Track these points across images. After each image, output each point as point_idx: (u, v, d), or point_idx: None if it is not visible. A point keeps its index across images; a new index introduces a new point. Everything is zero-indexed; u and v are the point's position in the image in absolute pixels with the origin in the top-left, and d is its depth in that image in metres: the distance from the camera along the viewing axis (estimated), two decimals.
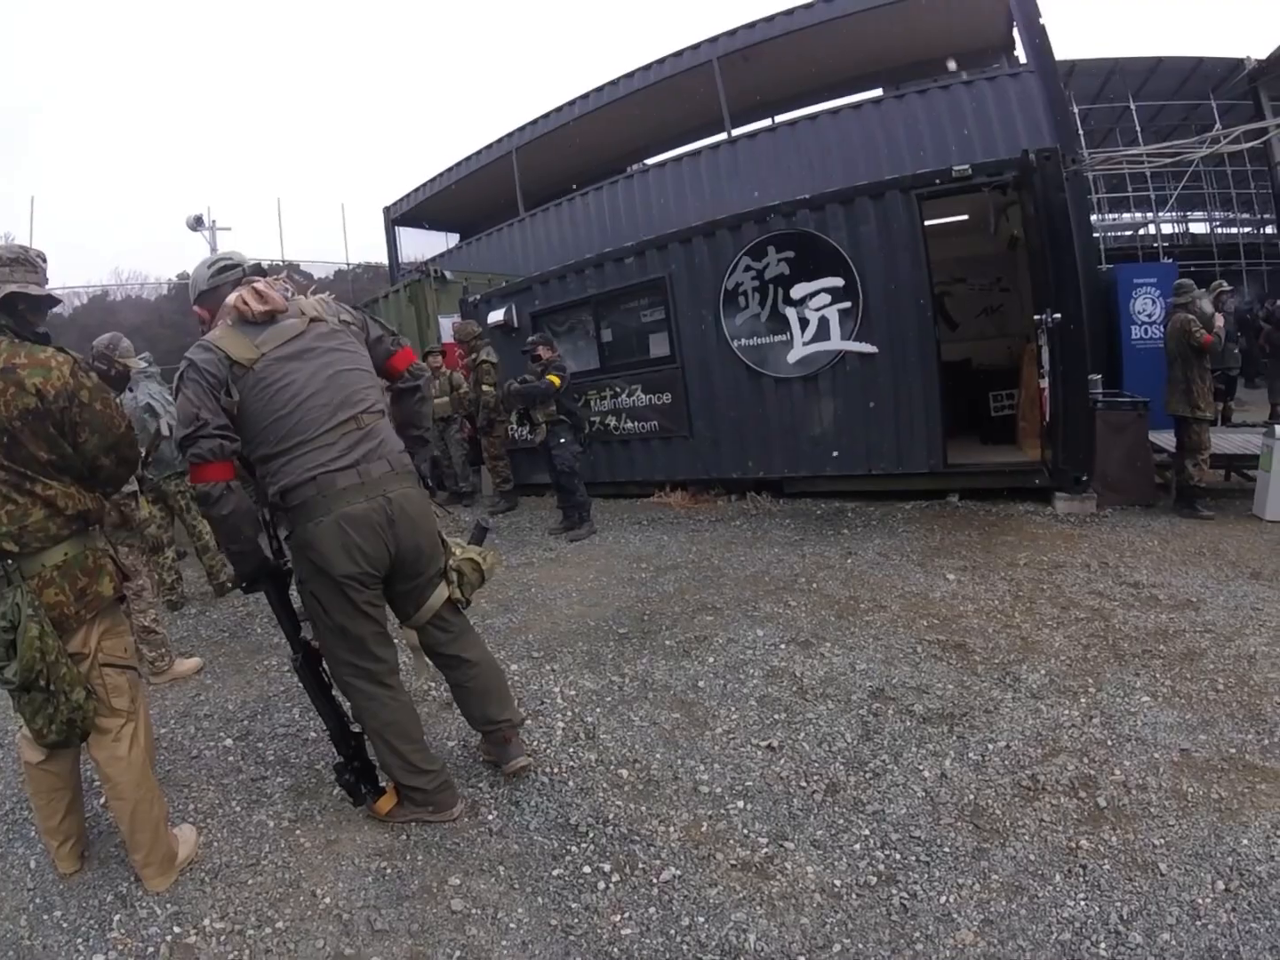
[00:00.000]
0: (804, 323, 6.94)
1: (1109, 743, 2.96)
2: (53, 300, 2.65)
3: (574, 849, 2.70)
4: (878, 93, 13.41)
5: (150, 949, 2.53)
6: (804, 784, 2.89)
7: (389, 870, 2.71)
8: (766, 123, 14.36)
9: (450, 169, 18.38)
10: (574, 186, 15.93)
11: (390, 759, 2.82)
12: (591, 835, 2.75)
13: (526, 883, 2.57)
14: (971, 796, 2.72)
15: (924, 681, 3.48)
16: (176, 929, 2.59)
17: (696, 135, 15.52)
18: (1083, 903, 2.24)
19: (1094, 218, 17.29)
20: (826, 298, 6.82)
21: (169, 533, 6.14)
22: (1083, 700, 3.25)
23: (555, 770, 3.16)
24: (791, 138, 12.88)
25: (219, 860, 2.91)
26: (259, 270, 2.83)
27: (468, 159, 17.89)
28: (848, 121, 12.29)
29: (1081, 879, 2.33)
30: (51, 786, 2.77)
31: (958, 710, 3.23)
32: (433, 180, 18.86)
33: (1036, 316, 6.11)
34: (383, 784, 2.97)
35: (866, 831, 2.61)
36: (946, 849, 2.50)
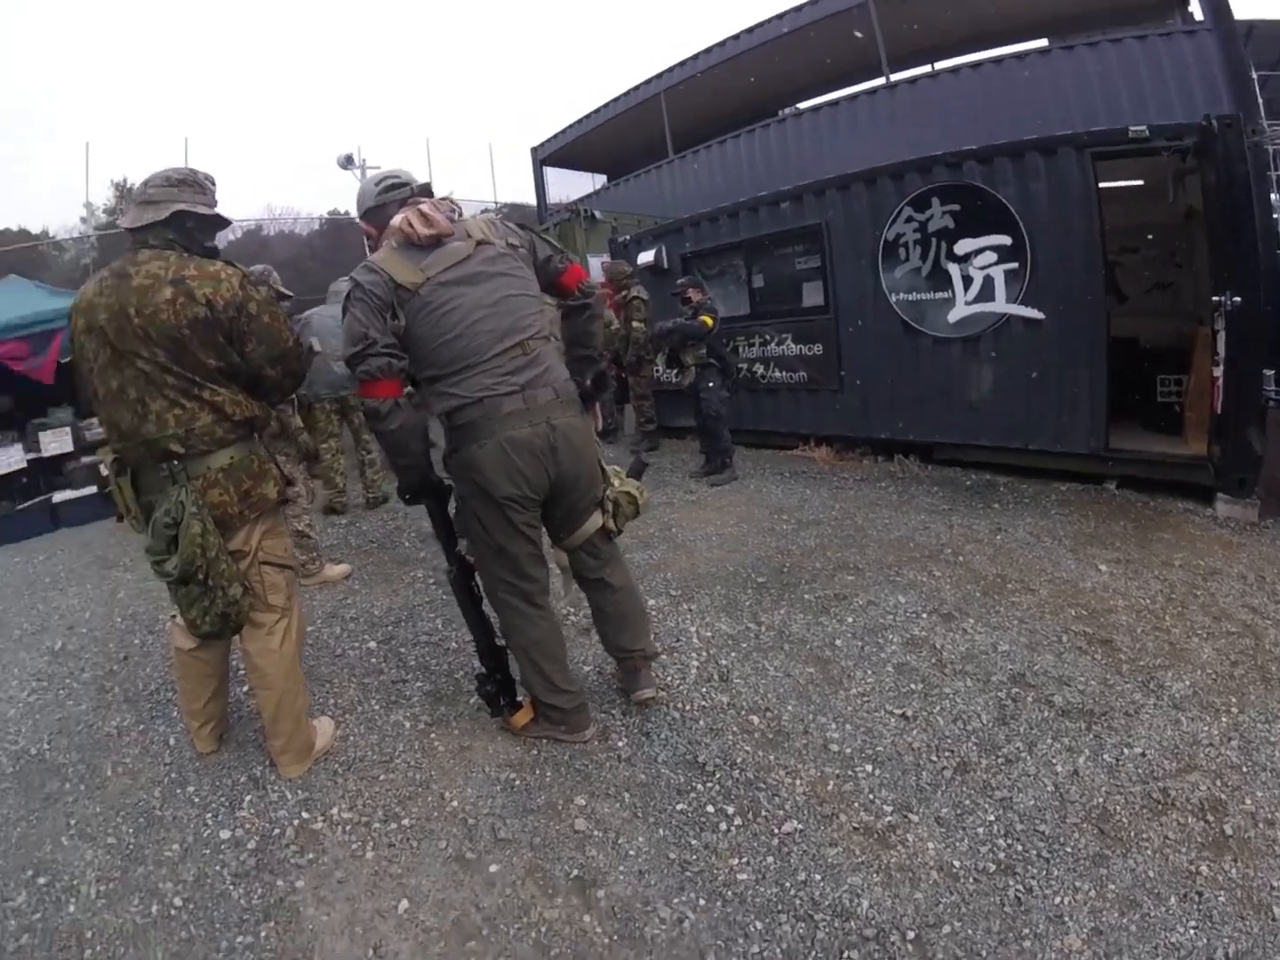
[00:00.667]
0: (967, 281, 6.54)
1: (1244, 769, 2.75)
2: (222, 220, 2.75)
3: (699, 787, 2.72)
4: (1043, 43, 12.56)
5: (277, 830, 2.68)
6: (934, 758, 2.82)
7: (517, 782, 2.79)
8: (926, 69, 13.68)
9: (598, 110, 18.29)
10: (723, 129, 15.55)
11: (533, 676, 2.90)
12: (718, 776, 2.76)
13: (650, 813, 2.61)
14: (1100, 800, 2.59)
15: (1066, 673, 3.32)
16: (305, 814, 2.73)
17: (852, 80, 14.91)
18: (1193, 931, 2.11)
19: (1274, 197, 15.87)
20: (992, 256, 6.39)
21: (340, 441, 6.53)
22: (1224, 719, 3.03)
23: (687, 708, 3.18)
24: (954, 85, 12.22)
25: (353, 754, 3.05)
26: (426, 191, 2.82)
27: (616, 100, 17.76)
28: (1012, 72, 11.57)
29: (1195, 906, 2.19)
30: (200, 673, 2.95)
31: (1098, 708, 3.08)
32: (581, 121, 18.82)
33: (1215, 298, 5.64)
34: (520, 699, 3.05)
35: (992, 817, 2.53)
36: (1069, 849, 2.40)
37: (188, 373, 2.50)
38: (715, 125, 16.14)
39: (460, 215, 2.74)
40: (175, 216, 2.56)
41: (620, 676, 3.27)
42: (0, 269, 12.87)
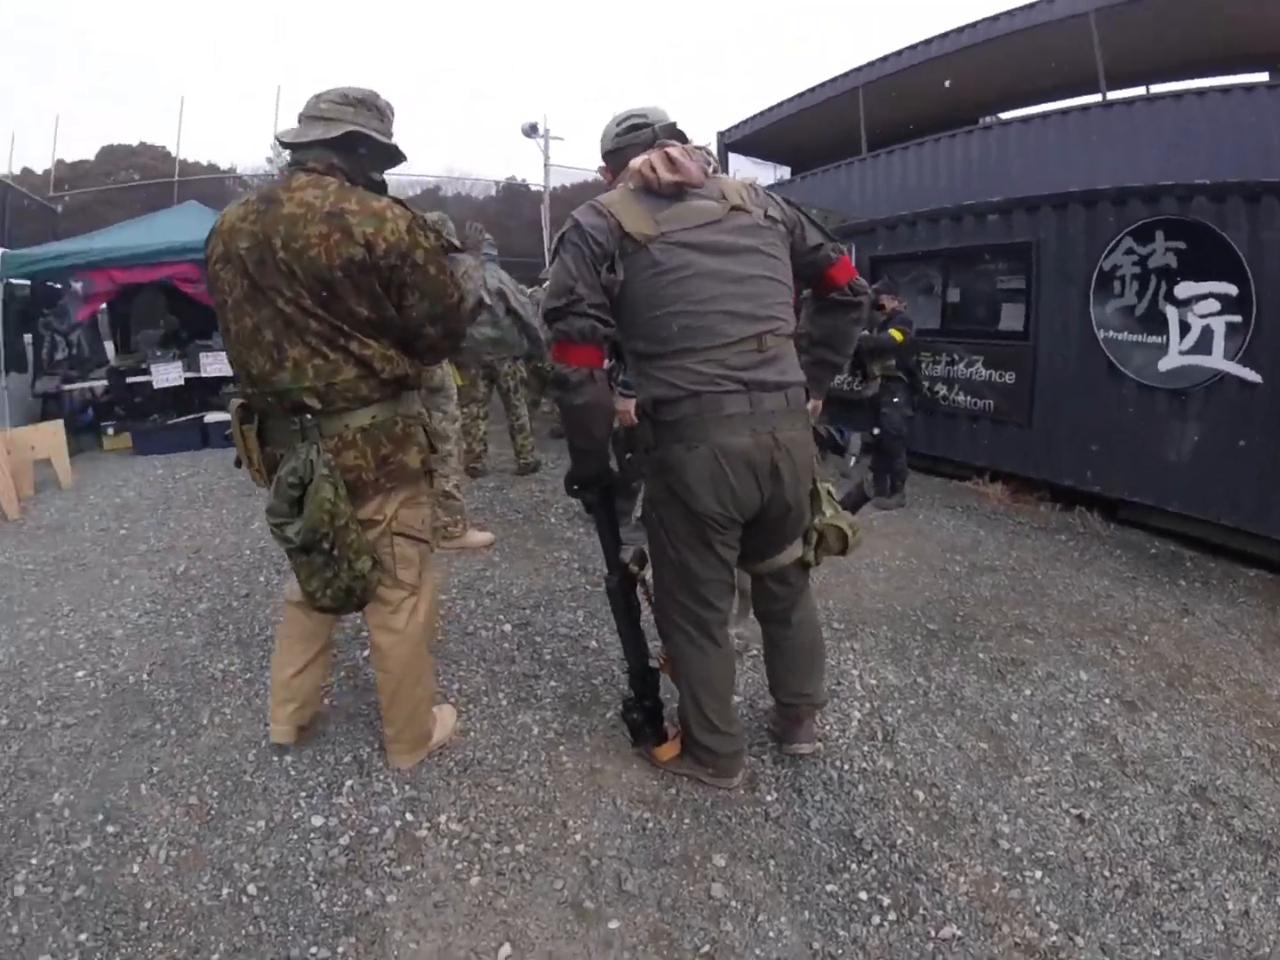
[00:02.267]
0: (1184, 328, 5.78)
1: None
2: (398, 154, 2.42)
3: (854, 867, 2.31)
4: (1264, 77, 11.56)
5: (375, 829, 2.41)
6: (1107, 873, 2.36)
7: (650, 824, 2.43)
8: (1140, 91, 12.66)
9: (789, 99, 17.46)
10: (920, 132, 14.75)
11: (692, 711, 2.50)
12: (875, 858, 2.34)
13: (795, 890, 2.22)
14: (1267, 950, 2.14)
15: (1248, 793, 2.82)
16: (409, 816, 2.46)
17: (1062, 94, 13.84)
18: None
19: None
20: (1215, 305, 5.62)
21: (486, 406, 6.42)
22: None
23: (845, 767, 2.75)
24: (1173, 112, 11.12)
25: (471, 755, 2.76)
26: (674, 133, 2.39)
27: (811, 90, 16.88)
28: (1239, 104, 10.48)
29: None
30: (301, 633, 2.67)
31: (1276, 840, 2.58)
32: (770, 110, 18.07)
33: None
34: (666, 726, 2.69)
35: (1157, 952, 2.10)
36: None
37: (335, 320, 2.18)
38: (912, 127, 15.27)
39: (716, 170, 2.31)
40: (347, 138, 2.24)
41: (776, 720, 2.85)
42: (184, 200, 13.55)
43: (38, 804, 2.59)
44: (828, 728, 2.96)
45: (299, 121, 2.30)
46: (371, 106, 2.31)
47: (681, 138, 2.37)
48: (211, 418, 8.31)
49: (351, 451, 2.26)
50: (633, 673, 2.64)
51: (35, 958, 2.04)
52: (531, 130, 18.55)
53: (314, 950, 2.03)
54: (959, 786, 2.69)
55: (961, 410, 7.27)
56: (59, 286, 8.55)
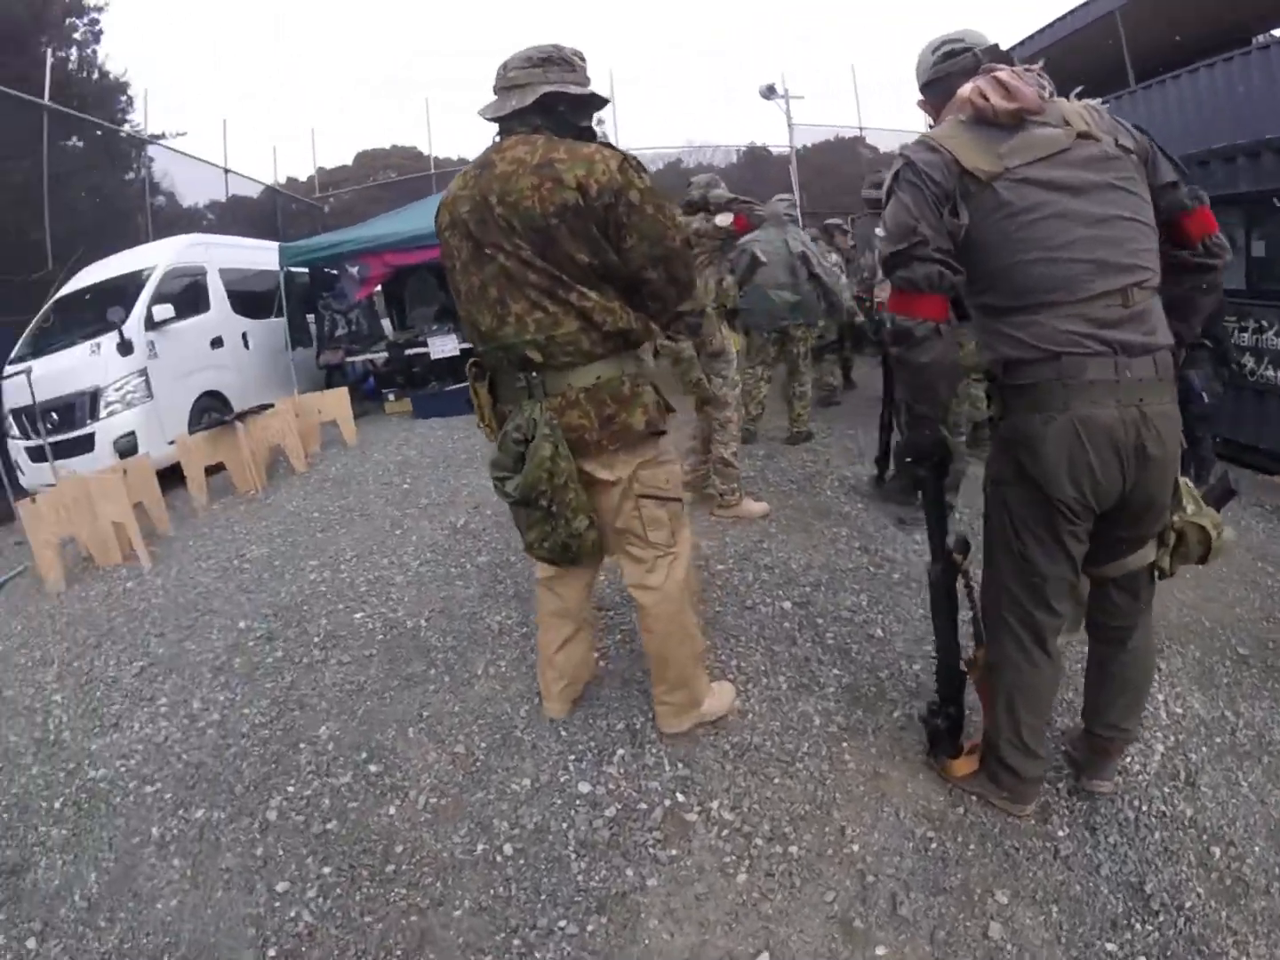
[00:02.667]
0: None
1: None
2: (598, 99, 2.37)
3: (1138, 927, 2.02)
4: None
5: (643, 805, 2.38)
6: None
7: (934, 845, 2.24)
8: None
9: (1038, 33, 15.80)
10: (1189, 57, 12.70)
11: (1005, 725, 2.25)
12: (1161, 919, 2.04)
13: (1074, 943, 1.98)
14: None
15: None
16: (680, 796, 2.41)
17: None
18: None
19: None
20: None
21: (772, 371, 6.42)
22: None
23: (1143, 809, 2.41)
24: None
25: (749, 739, 2.65)
26: (999, 55, 2.11)
27: (1061, 20, 15.27)
28: None
29: None
30: (555, 610, 2.72)
31: None
32: (1021, 44, 16.24)
33: None
34: (964, 741, 2.47)
35: None
36: None
37: (554, 270, 2.20)
38: (1182, 51, 13.41)
39: (1052, 94, 2.02)
40: (544, 101, 2.25)
41: (1079, 748, 2.52)
42: (440, 188, 14.56)
43: (303, 735, 2.78)
44: (1128, 760, 2.60)
45: (494, 94, 2.35)
46: (558, 61, 2.30)
47: (1007, 60, 2.10)
48: None
49: (575, 411, 2.27)
50: (941, 674, 2.43)
51: (274, 882, 2.18)
52: (770, 92, 18.13)
53: (562, 924, 2.04)
54: (1257, 849, 2.31)
55: (1273, 388, 6.13)
56: (334, 272, 9.60)
